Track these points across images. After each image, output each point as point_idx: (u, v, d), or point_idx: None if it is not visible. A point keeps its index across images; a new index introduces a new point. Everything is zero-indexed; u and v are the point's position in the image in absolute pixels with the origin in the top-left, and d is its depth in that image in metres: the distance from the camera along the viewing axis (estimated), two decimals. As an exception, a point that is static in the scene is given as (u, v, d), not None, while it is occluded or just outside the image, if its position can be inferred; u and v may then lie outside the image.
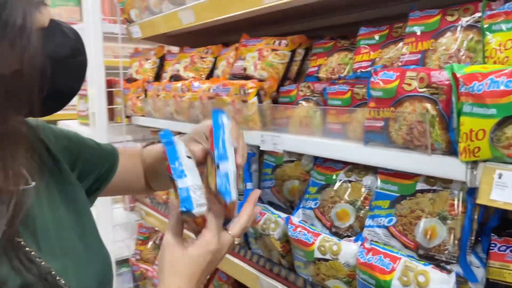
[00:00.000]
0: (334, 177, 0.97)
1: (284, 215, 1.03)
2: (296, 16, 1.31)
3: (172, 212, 0.64)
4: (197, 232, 0.63)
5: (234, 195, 0.61)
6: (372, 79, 0.79)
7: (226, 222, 0.65)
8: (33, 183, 0.61)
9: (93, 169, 0.84)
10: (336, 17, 1.27)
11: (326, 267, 0.89)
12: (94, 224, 0.75)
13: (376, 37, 0.98)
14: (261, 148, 1.09)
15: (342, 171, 0.97)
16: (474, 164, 0.64)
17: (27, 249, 0.59)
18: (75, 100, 3.31)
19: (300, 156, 1.09)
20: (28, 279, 0.57)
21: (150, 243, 1.83)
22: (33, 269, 0.58)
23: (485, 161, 0.63)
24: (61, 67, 0.59)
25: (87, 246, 0.70)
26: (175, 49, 1.84)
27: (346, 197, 0.93)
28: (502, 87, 0.58)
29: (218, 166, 0.61)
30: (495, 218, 0.75)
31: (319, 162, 1.03)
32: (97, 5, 1.68)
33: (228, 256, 1.15)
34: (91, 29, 1.69)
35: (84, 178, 0.81)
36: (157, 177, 0.93)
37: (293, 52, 1.19)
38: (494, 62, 0.68)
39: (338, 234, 0.92)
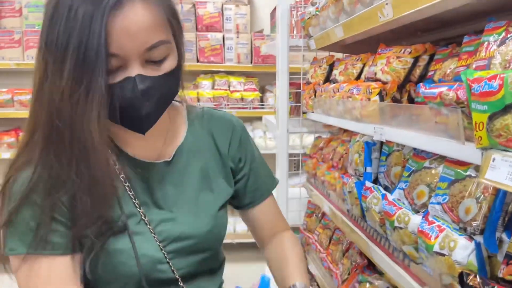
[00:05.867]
0: (422, 164, 1.16)
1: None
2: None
3: None
4: None
5: None
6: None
7: None
8: None
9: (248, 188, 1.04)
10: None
11: (401, 234, 1.11)
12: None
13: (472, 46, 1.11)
14: (373, 138, 1.34)
15: (428, 160, 1.14)
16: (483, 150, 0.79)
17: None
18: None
19: (403, 146, 1.29)
20: None
21: (314, 216, 2.21)
22: None
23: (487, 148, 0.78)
24: None
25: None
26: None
27: (425, 180, 1.11)
28: (489, 88, 0.74)
29: None
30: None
31: (417, 151, 1.21)
32: (285, 24, 2.16)
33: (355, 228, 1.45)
34: (280, 43, 2.18)
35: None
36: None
37: (416, 58, 1.37)
38: (521, 67, 0.80)
39: (416, 210, 1.11)
